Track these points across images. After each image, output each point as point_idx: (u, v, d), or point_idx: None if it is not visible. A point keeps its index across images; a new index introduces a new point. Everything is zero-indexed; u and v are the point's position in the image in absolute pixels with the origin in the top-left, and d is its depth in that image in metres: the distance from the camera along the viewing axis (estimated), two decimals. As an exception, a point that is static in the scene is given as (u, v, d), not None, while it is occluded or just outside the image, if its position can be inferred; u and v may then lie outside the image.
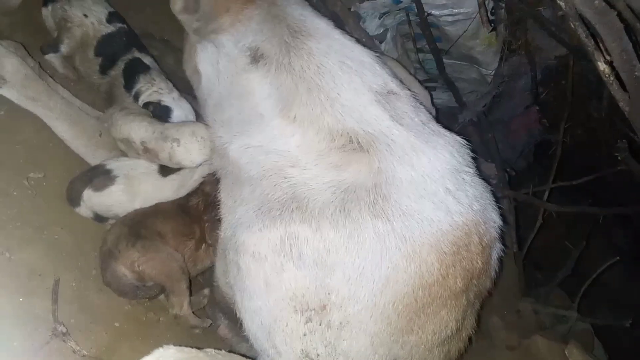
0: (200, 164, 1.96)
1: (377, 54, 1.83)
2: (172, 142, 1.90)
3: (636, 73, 1.51)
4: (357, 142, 1.58)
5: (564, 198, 3.18)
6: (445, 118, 2.99)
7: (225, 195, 1.75)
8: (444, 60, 2.63)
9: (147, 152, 1.96)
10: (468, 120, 2.78)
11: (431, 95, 2.38)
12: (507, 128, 2.92)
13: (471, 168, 1.69)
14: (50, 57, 2.19)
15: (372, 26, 2.49)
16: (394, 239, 1.47)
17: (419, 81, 2.37)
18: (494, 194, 1.80)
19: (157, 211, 1.92)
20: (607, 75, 1.58)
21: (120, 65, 2.11)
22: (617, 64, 1.50)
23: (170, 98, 2.07)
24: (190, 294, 1.88)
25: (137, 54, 2.16)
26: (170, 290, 1.81)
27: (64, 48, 2.16)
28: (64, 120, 1.99)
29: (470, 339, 1.82)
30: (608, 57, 1.48)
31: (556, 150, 2.86)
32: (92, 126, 2.06)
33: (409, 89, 1.81)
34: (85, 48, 2.15)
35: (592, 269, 2.91)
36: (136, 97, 2.06)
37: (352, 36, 1.88)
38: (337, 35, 1.81)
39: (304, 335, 1.50)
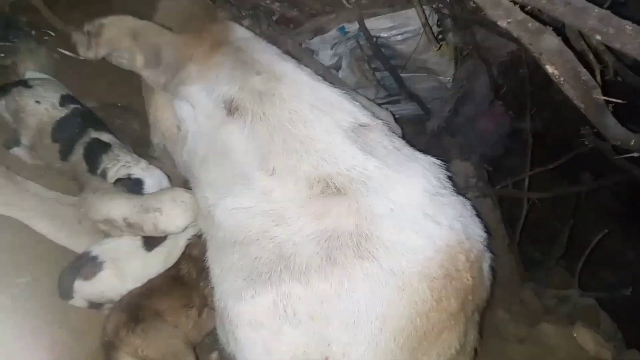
0: (185, 228, 1.97)
1: (345, 90, 1.88)
2: (154, 212, 1.91)
3: (582, 78, 1.55)
4: (334, 186, 1.61)
5: (545, 182, 3.22)
6: (414, 126, 3.07)
7: (212, 263, 1.76)
8: (402, 75, 2.67)
9: (131, 227, 1.96)
10: (437, 126, 2.83)
11: (393, 115, 2.42)
12: (476, 126, 2.97)
13: (447, 188, 1.73)
14: (15, 151, 2.19)
15: (326, 57, 2.53)
16: (383, 276, 1.50)
17: (379, 104, 2.42)
18: (473, 207, 1.84)
19: (151, 289, 1.92)
20: (557, 77, 1.63)
21: (79, 149, 2.10)
22: (562, 73, 1.54)
23: (139, 169, 2.08)
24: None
25: (94, 134, 2.14)
26: None
27: (24, 139, 2.15)
28: (41, 218, 2.00)
29: (475, 350, 1.84)
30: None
31: (527, 138, 2.91)
32: (70, 216, 2.06)
33: (380, 119, 1.84)
34: (43, 135, 2.14)
35: (589, 235, 2.96)
36: (103, 176, 2.06)
37: (316, 74, 1.91)
38: (304, 77, 1.86)
39: None
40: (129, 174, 2.06)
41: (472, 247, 1.64)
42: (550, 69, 1.63)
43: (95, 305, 1.93)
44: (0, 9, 2.51)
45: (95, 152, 2.10)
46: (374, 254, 1.50)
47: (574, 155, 2.92)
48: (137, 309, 1.84)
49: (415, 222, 1.57)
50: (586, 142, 2.24)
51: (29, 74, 2.37)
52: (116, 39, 2.01)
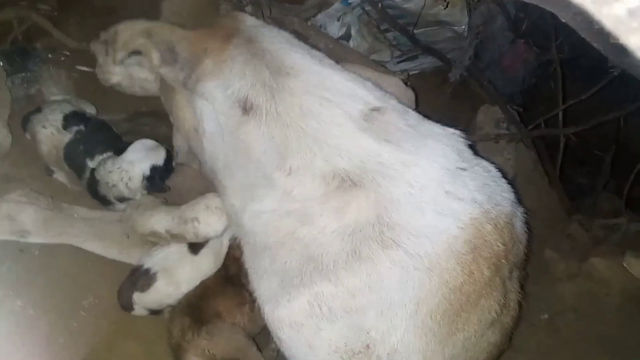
0: (225, 230, 2.07)
1: (355, 74, 1.83)
2: (192, 222, 2.02)
3: (595, 27, 1.48)
4: (350, 180, 1.62)
5: (583, 110, 3.09)
6: (436, 78, 2.99)
7: (249, 267, 1.83)
8: (415, 32, 2.59)
9: (175, 238, 2.08)
10: (459, 75, 2.75)
11: (408, 74, 2.36)
12: (500, 66, 2.87)
13: (468, 160, 1.71)
14: (56, 177, 2.30)
15: (334, 29, 2.48)
16: (410, 261, 1.53)
17: (397, 63, 2.36)
18: (499, 169, 1.81)
19: (205, 291, 2.04)
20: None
21: (84, 184, 2.16)
22: (575, 25, 1.47)
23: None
24: (261, 352, 2.02)
25: (90, 164, 2.15)
26: (244, 359, 1.94)
27: (51, 166, 2.23)
28: (92, 239, 2.12)
29: (520, 303, 1.86)
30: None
31: (556, 71, 2.79)
32: (117, 232, 2.17)
33: (392, 97, 1.81)
34: (61, 161, 2.19)
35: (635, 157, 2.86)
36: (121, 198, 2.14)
37: (327, 48, 1.86)
38: (313, 66, 1.81)
39: None
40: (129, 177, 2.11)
41: (499, 214, 1.64)
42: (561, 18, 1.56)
43: (155, 312, 2.07)
44: (13, 39, 2.57)
45: (94, 186, 2.15)
46: (398, 242, 1.53)
47: (610, 80, 2.79)
48: (198, 311, 1.97)
49: (436, 202, 1.57)
50: (615, 72, 2.14)
51: (54, 99, 2.43)
52: (131, 40, 1.97)
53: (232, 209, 1.89)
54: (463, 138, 1.76)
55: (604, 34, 1.51)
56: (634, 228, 2.89)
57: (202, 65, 1.87)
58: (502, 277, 1.68)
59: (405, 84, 2.20)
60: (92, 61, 2.56)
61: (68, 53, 2.66)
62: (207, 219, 2.01)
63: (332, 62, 1.88)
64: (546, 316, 2.52)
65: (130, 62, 2.36)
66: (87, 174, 2.17)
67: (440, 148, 1.67)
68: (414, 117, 1.78)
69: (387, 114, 1.71)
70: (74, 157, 2.18)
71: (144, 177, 2.13)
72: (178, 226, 2.04)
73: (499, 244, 1.62)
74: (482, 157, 1.80)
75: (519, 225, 1.77)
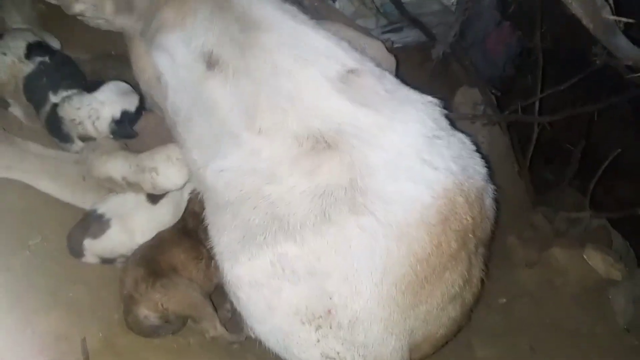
0: (185, 184, 1.98)
1: (330, 33, 1.75)
2: (150, 172, 1.93)
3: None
4: (325, 141, 1.56)
5: (559, 102, 3.11)
6: (419, 54, 2.95)
7: (209, 223, 1.75)
8: (403, 1, 2.53)
9: (131, 187, 1.99)
10: (442, 52, 2.71)
11: (392, 43, 2.31)
12: (483, 48, 2.84)
13: (444, 129, 1.67)
14: (12, 111, 2.16)
15: (321, -12, 2.39)
16: (380, 228, 1.48)
17: (382, 33, 2.30)
18: (473, 142, 1.77)
19: (162, 243, 1.95)
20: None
21: (43, 117, 2.04)
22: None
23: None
24: (216, 311, 1.95)
25: (52, 98, 2.04)
26: (198, 317, 1.87)
27: (7, 97, 2.08)
28: (44, 177, 2.00)
29: (482, 280, 1.85)
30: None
31: (537, 58, 2.78)
32: (73, 173, 2.06)
33: (370, 60, 1.75)
34: (19, 93, 2.06)
35: (604, 153, 2.88)
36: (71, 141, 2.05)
37: (299, 13, 1.79)
38: (287, 20, 1.72)
39: (318, 341, 1.56)
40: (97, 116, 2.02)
41: (471, 187, 1.61)
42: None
43: (107, 261, 1.98)
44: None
45: (55, 122, 2.04)
46: (370, 207, 1.48)
47: (588, 73, 2.79)
48: (154, 263, 1.88)
49: (411, 169, 1.53)
50: (597, 62, 2.13)
51: (16, 27, 2.28)
52: None
53: (193, 164, 1.81)
54: (440, 107, 1.70)
55: (595, 8, 1.50)
56: (596, 223, 2.93)
57: (162, 15, 1.77)
58: (468, 251, 1.66)
59: (389, 50, 2.14)
60: (59, -7, 2.42)
61: (36, -16, 2.48)
62: (166, 170, 1.92)
63: (306, 17, 1.79)
64: (504, 300, 2.53)
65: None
66: (48, 108, 2.04)
67: (417, 114, 1.62)
68: (391, 81, 1.72)
69: (363, 77, 1.65)
70: (35, 89, 2.05)
71: (113, 119, 2.03)
72: (135, 175, 1.94)
73: (469, 218, 1.60)
74: (458, 130, 1.77)
75: (489, 201, 1.74)
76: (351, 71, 1.65)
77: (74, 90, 2.08)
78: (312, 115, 1.58)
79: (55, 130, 2.05)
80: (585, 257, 2.61)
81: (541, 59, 2.75)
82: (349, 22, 2.28)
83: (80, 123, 2.02)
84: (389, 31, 2.75)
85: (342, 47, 1.71)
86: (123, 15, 1.83)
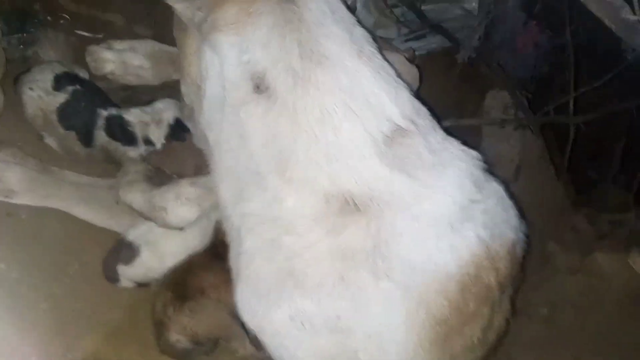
0: (198, 217, 1.95)
1: (393, 76, 1.57)
2: (159, 210, 1.92)
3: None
4: (354, 204, 1.44)
5: (596, 99, 2.98)
6: (444, 59, 2.90)
7: (230, 263, 1.69)
8: (423, 8, 2.50)
9: (149, 219, 2.00)
10: (467, 57, 2.65)
11: (414, 52, 2.26)
12: (511, 49, 2.76)
13: (482, 188, 1.56)
14: (48, 141, 2.21)
15: (339, 2, 2.38)
16: (398, 292, 1.44)
17: (404, 41, 2.27)
18: (509, 193, 1.67)
19: (191, 266, 1.98)
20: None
21: (101, 134, 2.10)
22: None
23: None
24: (247, 331, 1.96)
25: (104, 113, 2.11)
26: (227, 337, 1.90)
27: (40, 131, 2.13)
28: (80, 204, 2.07)
29: (507, 320, 1.76)
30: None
31: (569, 56, 2.68)
32: (107, 198, 2.11)
33: (423, 115, 1.59)
34: (52, 125, 2.10)
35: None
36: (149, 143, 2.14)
37: (367, 43, 1.56)
38: (350, 59, 1.50)
39: None
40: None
41: (500, 247, 1.55)
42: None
43: (142, 285, 2.03)
44: (12, 1, 2.52)
45: (122, 128, 2.12)
46: (390, 275, 1.43)
47: (625, 68, 2.68)
48: (182, 286, 1.91)
49: (439, 237, 1.46)
50: (628, 58, 2.04)
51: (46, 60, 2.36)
52: None
53: (222, 201, 1.68)
54: (480, 161, 1.60)
55: (614, 8, 1.44)
56: (641, 225, 2.80)
57: (222, 10, 1.51)
58: (490, 305, 1.59)
59: (411, 61, 2.11)
60: (91, 26, 2.54)
61: (67, 16, 2.59)
62: (175, 209, 1.91)
63: (372, 50, 1.57)
64: (545, 310, 2.45)
65: (122, 48, 2.30)
66: (102, 122, 2.10)
67: (459, 178, 1.52)
68: (438, 139, 1.57)
69: (410, 137, 1.50)
70: (76, 115, 2.09)
71: (169, 123, 2.15)
72: (149, 211, 1.96)
73: (491, 278, 1.53)
74: (492, 174, 1.65)
75: (520, 249, 1.66)
76: (399, 130, 1.50)
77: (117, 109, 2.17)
78: (347, 176, 1.46)
79: (121, 134, 2.11)
80: (630, 262, 2.50)
81: (572, 56, 2.66)
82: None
83: (147, 124, 2.13)
84: (411, 39, 2.71)
85: (397, 99, 1.53)
86: (184, 1, 1.57)
